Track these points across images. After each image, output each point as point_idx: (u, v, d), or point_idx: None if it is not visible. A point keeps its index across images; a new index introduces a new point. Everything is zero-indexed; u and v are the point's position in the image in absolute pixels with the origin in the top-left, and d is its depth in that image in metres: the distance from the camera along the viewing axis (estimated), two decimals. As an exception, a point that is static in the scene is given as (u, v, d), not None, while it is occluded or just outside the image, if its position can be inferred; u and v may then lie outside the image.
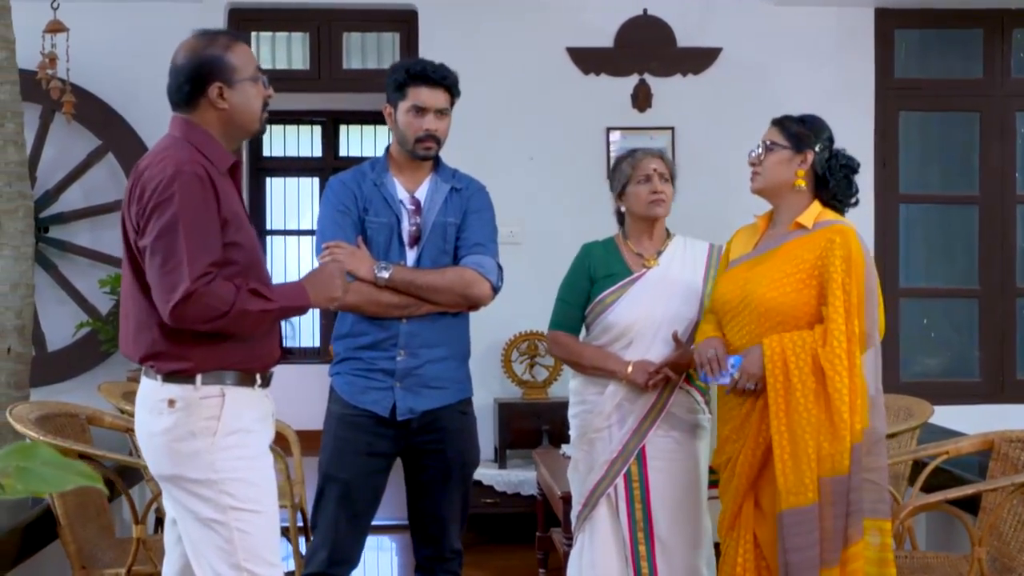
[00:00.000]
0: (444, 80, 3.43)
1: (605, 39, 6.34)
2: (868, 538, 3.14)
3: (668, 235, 3.79)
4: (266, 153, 10.18)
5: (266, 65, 6.84)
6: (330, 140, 10.25)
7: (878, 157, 6.43)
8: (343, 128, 10.28)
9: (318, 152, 10.29)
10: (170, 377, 2.77)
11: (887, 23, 6.44)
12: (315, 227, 3.59)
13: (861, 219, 6.28)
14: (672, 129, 6.32)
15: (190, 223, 2.68)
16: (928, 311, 6.75)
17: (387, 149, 3.54)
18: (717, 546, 3.63)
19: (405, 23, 6.38)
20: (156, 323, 2.74)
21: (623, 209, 3.76)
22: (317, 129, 10.27)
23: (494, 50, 6.27)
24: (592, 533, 3.68)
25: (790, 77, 6.31)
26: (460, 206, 3.48)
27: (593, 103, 6.30)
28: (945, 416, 5.33)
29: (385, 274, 3.32)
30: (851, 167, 3.35)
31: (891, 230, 6.48)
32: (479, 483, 5.84)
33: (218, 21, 6.15)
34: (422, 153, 3.43)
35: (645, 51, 6.32)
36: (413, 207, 3.45)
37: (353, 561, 3.43)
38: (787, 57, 6.38)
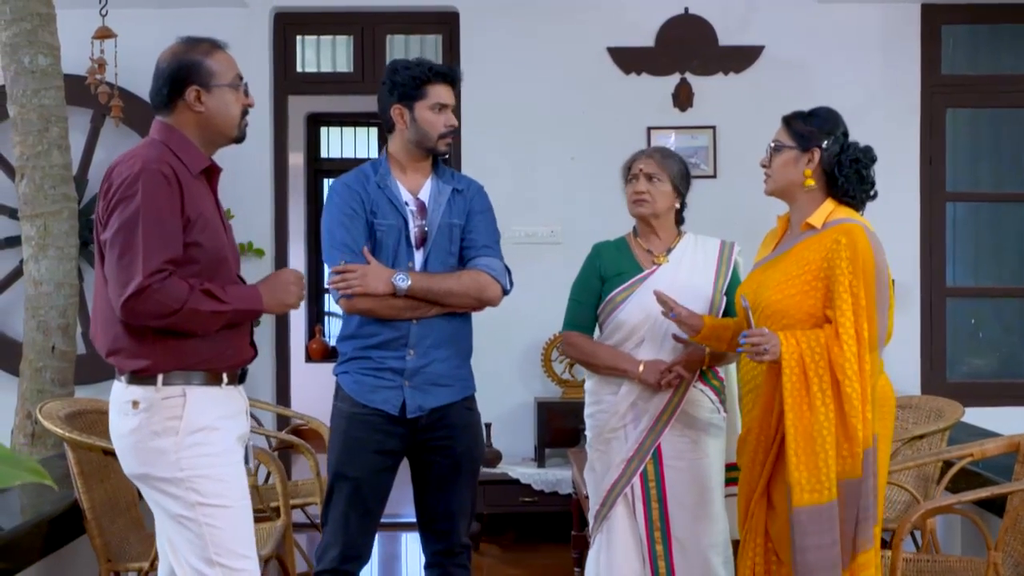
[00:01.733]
0: (455, 77, 3.56)
1: (646, 38, 6.32)
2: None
3: (679, 232, 3.79)
4: (323, 155, 10.31)
5: (311, 68, 6.96)
6: (386, 141, 10.31)
7: (924, 155, 6.35)
8: (399, 129, 10.34)
9: (375, 153, 10.39)
10: (133, 379, 2.85)
11: (933, 19, 6.34)
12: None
13: (907, 218, 6.24)
14: (714, 128, 6.28)
15: (150, 220, 2.75)
16: (977, 311, 6.64)
17: (386, 150, 3.59)
18: (736, 543, 3.63)
19: (447, 25, 6.42)
20: (120, 319, 2.81)
21: None
22: (374, 131, 10.36)
23: (535, 50, 6.28)
24: (609, 533, 3.68)
25: (834, 75, 6.24)
26: (463, 207, 3.53)
27: (634, 103, 6.28)
28: (993, 418, 5.25)
29: (404, 285, 3.36)
30: (862, 161, 3.23)
31: (938, 229, 6.38)
32: (517, 482, 5.86)
33: (263, 26, 6.26)
34: (444, 149, 3.55)
35: (686, 50, 6.29)
36: (417, 209, 3.51)
37: (364, 557, 3.48)
38: (831, 55, 6.30)
